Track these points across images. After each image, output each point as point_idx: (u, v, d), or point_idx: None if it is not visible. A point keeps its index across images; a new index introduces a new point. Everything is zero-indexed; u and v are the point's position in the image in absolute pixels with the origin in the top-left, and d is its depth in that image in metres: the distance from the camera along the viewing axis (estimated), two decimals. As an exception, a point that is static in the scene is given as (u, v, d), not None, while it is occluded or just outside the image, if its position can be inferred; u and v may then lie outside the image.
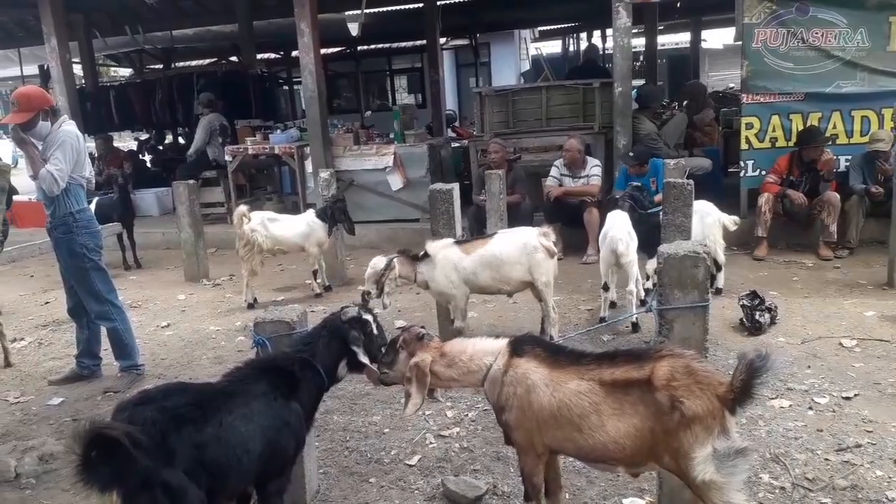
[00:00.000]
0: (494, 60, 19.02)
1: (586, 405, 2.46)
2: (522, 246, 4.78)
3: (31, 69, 14.50)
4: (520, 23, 17.82)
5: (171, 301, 6.91)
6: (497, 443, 3.54)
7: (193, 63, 17.23)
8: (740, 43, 7.31)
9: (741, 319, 5.10)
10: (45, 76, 12.77)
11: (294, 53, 12.26)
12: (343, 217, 6.71)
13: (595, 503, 3.13)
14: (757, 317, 4.99)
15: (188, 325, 6.13)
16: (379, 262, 4.85)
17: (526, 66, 20.09)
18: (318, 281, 6.76)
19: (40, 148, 4.53)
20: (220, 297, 6.94)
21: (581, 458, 2.67)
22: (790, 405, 3.90)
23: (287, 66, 17.11)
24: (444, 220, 4.95)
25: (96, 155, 10.58)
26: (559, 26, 18.81)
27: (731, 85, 17.00)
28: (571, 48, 20.17)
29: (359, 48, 16.71)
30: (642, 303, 5.29)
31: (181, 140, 14.02)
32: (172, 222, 8.72)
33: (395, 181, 8.93)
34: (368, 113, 17.30)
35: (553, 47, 21.07)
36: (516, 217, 7.04)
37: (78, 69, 12.49)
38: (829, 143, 7.11)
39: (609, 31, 11.99)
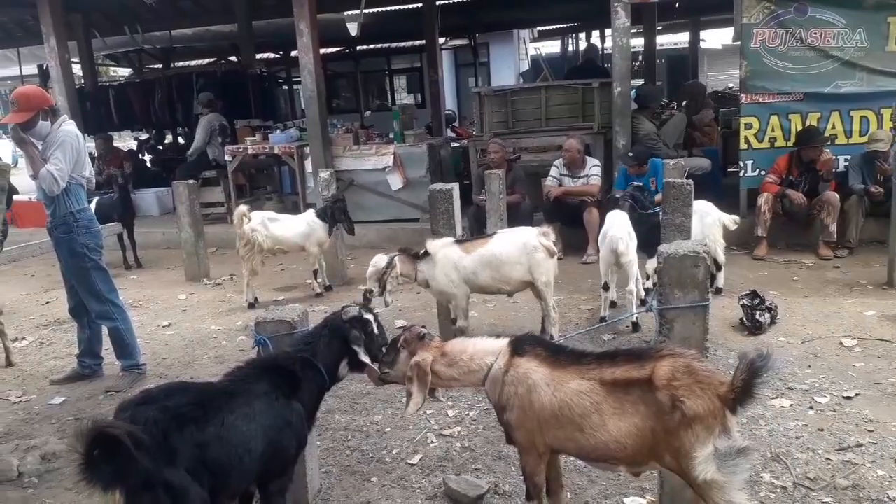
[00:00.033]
0: (493, 60, 19.03)
1: (587, 405, 2.47)
2: (522, 246, 4.78)
3: (31, 69, 14.51)
4: (519, 23, 17.81)
5: (172, 300, 6.92)
6: (498, 442, 3.55)
7: (193, 63, 17.24)
8: (739, 43, 7.31)
9: (741, 319, 5.11)
10: (44, 76, 12.77)
11: (293, 53, 12.26)
12: (343, 217, 6.71)
13: (596, 502, 3.14)
14: (757, 316, 4.99)
15: (189, 324, 6.13)
16: (380, 260, 4.86)
17: (525, 66, 20.08)
18: (319, 280, 6.76)
19: (40, 148, 4.53)
20: (220, 297, 6.94)
21: (582, 457, 2.68)
22: (791, 405, 3.91)
23: (286, 66, 17.12)
24: (443, 220, 4.96)
25: (96, 155, 10.58)
26: (558, 26, 18.81)
27: (730, 85, 17.03)
28: (570, 48, 20.18)
29: (358, 48, 16.72)
30: (642, 302, 5.30)
31: (181, 140, 14.03)
32: (173, 222, 8.73)
33: (395, 181, 8.93)
34: (368, 113, 17.30)
35: (552, 47, 21.08)
36: (516, 217, 7.05)
37: (77, 69, 12.49)
38: (828, 142, 7.12)
39: (608, 32, 11.99)
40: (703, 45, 19.04)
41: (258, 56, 14.73)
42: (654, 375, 2.36)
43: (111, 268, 5.19)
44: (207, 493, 2.38)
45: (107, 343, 5.01)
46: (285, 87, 17.85)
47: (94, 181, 5.32)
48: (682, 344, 2.66)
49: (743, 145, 7.42)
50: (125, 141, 18.62)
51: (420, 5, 12.94)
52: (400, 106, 11.15)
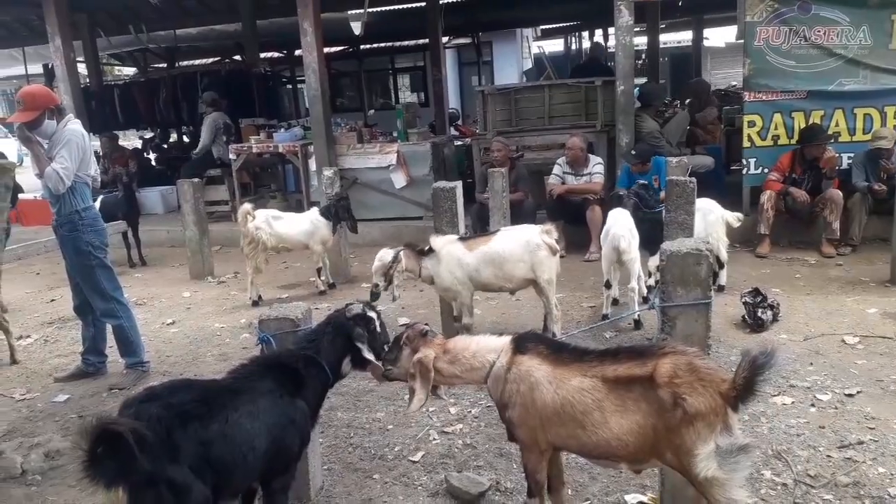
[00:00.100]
0: (497, 59, 19.02)
1: (589, 402, 2.47)
2: (525, 243, 4.78)
3: (36, 68, 14.54)
4: (522, 22, 17.81)
5: (176, 298, 6.94)
6: (500, 439, 3.57)
7: (197, 62, 17.25)
8: (742, 41, 7.30)
9: (743, 316, 5.11)
10: (49, 75, 12.78)
11: (297, 52, 12.26)
12: (347, 215, 6.73)
13: (598, 499, 3.14)
14: (759, 314, 4.99)
15: (193, 322, 6.15)
16: (386, 254, 4.87)
17: (528, 64, 20.07)
18: (322, 278, 6.78)
19: (46, 146, 4.55)
20: (224, 295, 6.97)
21: (584, 454, 2.68)
22: (792, 402, 3.91)
23: (290, 65, 17.15)
24: (447, 218, 4.97)
25: (101, 153, 10.62)
26: (561, 25, 18.79)
27: (734, 83, 16.97)
28: (574, 46, 20.16)
29: (362, 47, 16.71)
30: (645, 300, 5.30)
31: (185, 139, 14.06)
32: (177, 220, 8.75)
33: (399, 179, 8.95)
34: (371, 111, 17.30)
35: (555, 46, 21.07)
36: (519, 215, 7.06)
37: (82, 68, 12.53)
38: (832, 140, 7.11)
39: (611, 30, 11.98)
40: (706, 43, 19.00)
41: (262, 55, 14.75)
42: (656, 373, 2.36)
43: (116, 266, 5.21)
44: (210, 491, 2.39)
45: (111, 341, 5.02)
46: (289, 86, 17.88)
47: (100, 180, 5.34)
48: (685, 341, 2.66)
49: (746, 143, 7.41)
50: (130, 140, 18.66)
51: (423, 4, 12.94)
52: (403, 104, 11.19)
